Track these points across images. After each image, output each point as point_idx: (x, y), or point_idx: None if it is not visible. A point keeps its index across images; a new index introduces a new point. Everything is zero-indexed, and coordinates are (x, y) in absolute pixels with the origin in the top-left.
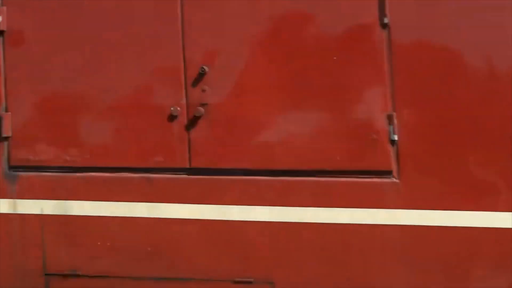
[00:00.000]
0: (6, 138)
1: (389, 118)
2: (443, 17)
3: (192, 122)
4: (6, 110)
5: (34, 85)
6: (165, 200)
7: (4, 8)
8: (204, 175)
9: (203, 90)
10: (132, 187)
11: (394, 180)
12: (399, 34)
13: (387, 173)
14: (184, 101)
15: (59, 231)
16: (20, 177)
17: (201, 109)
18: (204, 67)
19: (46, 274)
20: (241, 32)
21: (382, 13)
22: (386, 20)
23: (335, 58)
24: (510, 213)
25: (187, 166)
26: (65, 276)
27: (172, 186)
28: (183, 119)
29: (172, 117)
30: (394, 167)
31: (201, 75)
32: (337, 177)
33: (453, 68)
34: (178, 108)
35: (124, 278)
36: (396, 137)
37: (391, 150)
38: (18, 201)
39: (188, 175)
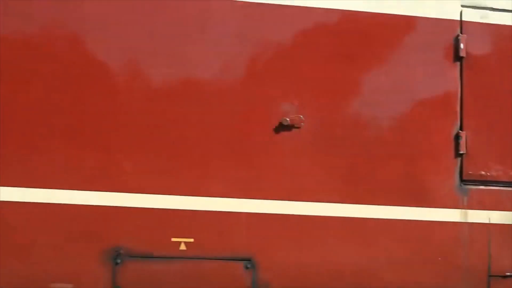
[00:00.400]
0: (461, 155)
1: None
2: None
3: None
4: (461, 129)
5: (491, 107)
6: None
7: (465, 36)
8: None
9: None
10: None
11: None
12: None
13: None
14: None
15: (505, 237)
16: (471, 190)
17: None
18: None
19: (490, 276)
20: None
21: None
22: None
23: None
24: None
25: None
26: (505, 277)
27: None
28: None
29: None
30: None
31: None
32: None
33: None
34: None
35: None
36: None
37: None
38: (469, 211)
39: None
